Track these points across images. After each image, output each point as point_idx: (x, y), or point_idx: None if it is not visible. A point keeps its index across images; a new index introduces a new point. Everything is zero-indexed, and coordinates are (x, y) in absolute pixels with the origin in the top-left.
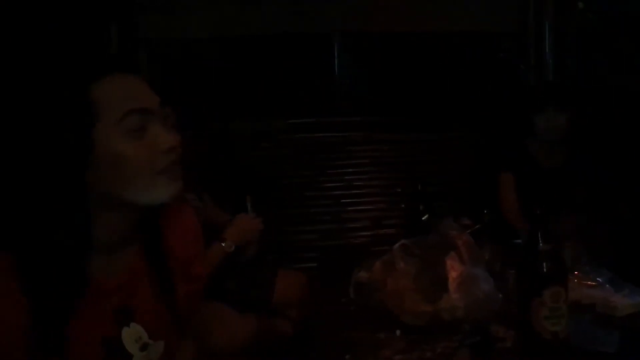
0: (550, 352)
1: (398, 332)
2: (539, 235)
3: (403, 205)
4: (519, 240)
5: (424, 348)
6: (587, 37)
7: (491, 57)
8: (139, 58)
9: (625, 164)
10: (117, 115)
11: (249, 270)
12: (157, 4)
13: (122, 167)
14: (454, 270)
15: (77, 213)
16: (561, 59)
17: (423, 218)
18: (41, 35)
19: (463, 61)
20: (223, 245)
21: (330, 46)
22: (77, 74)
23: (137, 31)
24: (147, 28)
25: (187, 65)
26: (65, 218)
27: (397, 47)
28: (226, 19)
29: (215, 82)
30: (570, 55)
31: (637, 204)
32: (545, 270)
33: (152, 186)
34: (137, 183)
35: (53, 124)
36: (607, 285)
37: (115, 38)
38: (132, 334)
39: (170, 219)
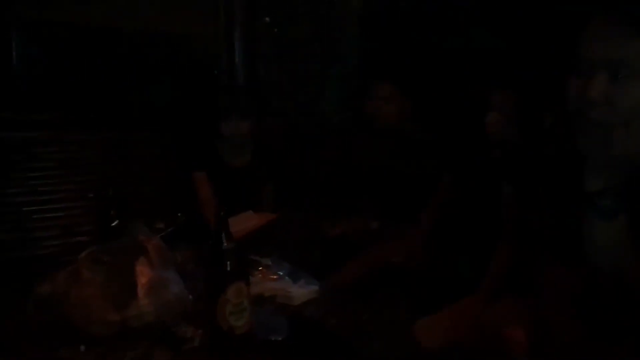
0: (234, 346)
1: (82, 347)
2: (222, 234)
3: (97, 211)
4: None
5: (116, 357)
6: (275, 47)
7: (186, 58)
8: None
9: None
10: None
11: None
12: None
13: None
14: (143, 275)
15: None
16: (252, 66)
17: (113, 224)
18: None
19: (157, 61)
20: None
21: (8, 35)
22: None
23: None
24: None
25: None
26: None
27: (87, 40)
28: None
29: None
30: (259, 63)
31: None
32: (228, 268)
33: None
34: None
35: None
36: (287, 278)
37: None
38: None
39: None
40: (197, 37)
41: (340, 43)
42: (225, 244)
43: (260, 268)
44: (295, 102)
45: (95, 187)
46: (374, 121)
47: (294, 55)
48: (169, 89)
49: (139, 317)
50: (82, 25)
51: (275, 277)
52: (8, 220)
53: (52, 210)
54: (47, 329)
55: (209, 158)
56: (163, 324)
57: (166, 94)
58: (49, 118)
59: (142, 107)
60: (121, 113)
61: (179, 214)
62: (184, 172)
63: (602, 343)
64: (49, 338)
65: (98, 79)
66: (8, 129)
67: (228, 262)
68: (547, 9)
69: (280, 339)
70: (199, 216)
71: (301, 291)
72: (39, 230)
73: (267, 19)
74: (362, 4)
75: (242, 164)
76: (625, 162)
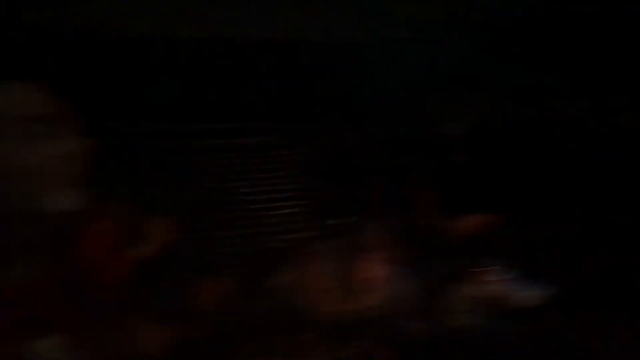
0: (461, 344)
1: (316, 334)
2: (446, 235)
3: (320, 209)
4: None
5: (342, 347)
6: None
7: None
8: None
9: None
10: (9, 121)
11: (166, 276)
12: None
13: (12, 172)
14: (374, 270)
15: None
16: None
17: (344, 220)
18: None
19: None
20: (139, 249)
21: (247, 52)
22: None
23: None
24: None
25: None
26: None
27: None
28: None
29: (117, 82)
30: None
31: None
32: (454, 269)
33: (45, 191)
34: (29, 187)
35: None
36: (512, 280)
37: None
38: (43, 344)
39: (84, 226)
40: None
41: None
42: (449, 245)
43: (485, 269)
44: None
45: (319, 185)
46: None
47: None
48: (389, 90)
49: (368, 310)
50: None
51: (500, 279)
52: (244, 216)
53: (279, 208)
54: (283, 316)
55: (426, 158)
56: (391, 318)
57: (387, 95)
58: (272, 126)
59: (358, 109)
60: (339, 115)
61: (404, 212)
62: (403, 172)
63: None
64: (285, 324)
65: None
66: (241, 135)
67: (453, 263)
68: None
69: (503, 341)
70: (421, 216)
71: (527, 294)
72: (268, 226)
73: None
74: None
75: (460, 164)
76: None
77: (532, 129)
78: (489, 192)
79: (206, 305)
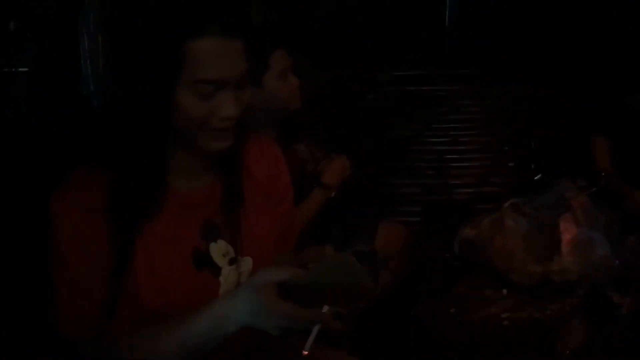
0: None
1: (505, 291)
2: None
3: (511, 164)
4: None
5: (533, 308)
6: None
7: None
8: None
9: None
10: (193, 77)
11: (351, 219)
12: None
13: (180, 115)
14: (567, 232)
15: (153, 139)
16: None
17: (536, 177)
18: None
19: (574, 14)
20: (323, 190)
21: None
22: (182, 28)
23: None
24: None
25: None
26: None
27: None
28: None
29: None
30: None
31: None
32: None
33: (199, 138)
34: (189, 132)
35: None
36: None
37: None
38: (219, 249)
39: (251, 149)
40: None
41: None
42: None
43: None
44: None
45: (511, 140)
46: None
47: None
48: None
49: (561, 273)
50: None
51: None
52: (431, 167)
53: (468, 160)
54: (471, 269)
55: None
56: (588, 285)
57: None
58: (471, 73)
59: (564, 63)
60: (531, 68)
61: (602, 174)
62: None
63: None
64: (472, 277)
65: (519, 34)
66: (436, 83)
67: None
68: None
69: None
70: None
71: None
72: (456, 178)
73: None
74: None
75: None
76: None
77: None
78: None
79: (389, 250)
